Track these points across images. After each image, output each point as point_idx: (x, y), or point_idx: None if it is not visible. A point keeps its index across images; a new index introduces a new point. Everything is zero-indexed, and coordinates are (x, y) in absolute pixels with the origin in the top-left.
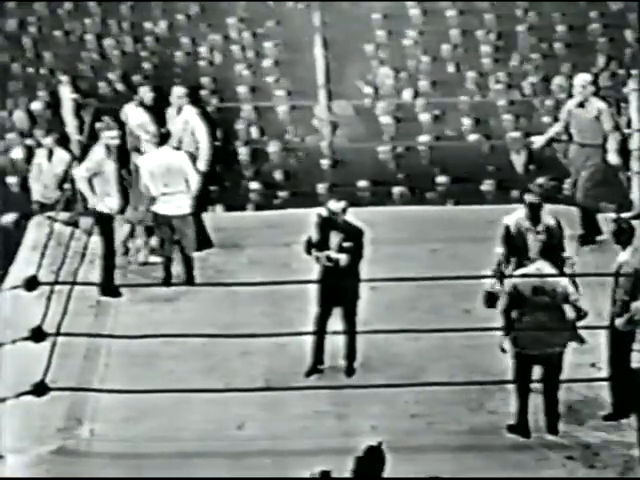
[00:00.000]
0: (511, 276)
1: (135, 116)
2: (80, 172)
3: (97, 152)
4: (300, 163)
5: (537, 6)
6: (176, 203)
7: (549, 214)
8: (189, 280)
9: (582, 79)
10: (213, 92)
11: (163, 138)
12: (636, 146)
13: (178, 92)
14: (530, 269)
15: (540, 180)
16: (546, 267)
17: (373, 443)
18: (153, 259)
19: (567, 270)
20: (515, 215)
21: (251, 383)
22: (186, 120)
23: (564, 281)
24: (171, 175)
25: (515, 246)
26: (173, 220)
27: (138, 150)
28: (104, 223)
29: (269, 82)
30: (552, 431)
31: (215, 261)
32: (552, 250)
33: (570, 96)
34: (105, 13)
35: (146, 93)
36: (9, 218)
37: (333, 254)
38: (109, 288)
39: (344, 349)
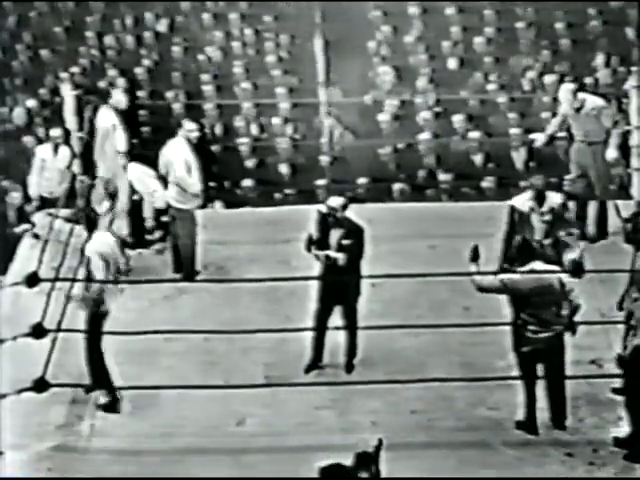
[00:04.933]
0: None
1: (106, 119)
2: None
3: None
4: (300, 160)
5: (536, 4)
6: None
7: (557, 194)
8: (189, 277)
9: (566, 90)
10: (218, 89)
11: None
12: (636, 143)
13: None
14: (525, 269)
15: (533, 178)
16: (540, 266)
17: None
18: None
19: (573, 246)
20: (521, 197)
21: (251, 379)
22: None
23: (560, 276)
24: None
25: (520, 227)
26: (174, 212)
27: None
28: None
29: (269, 79)
30: (559, 427)
31: (215, 258)
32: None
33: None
34: (106, 9)
35: (119, 96)
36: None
37: (332, 253)
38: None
39: (344, 345)
